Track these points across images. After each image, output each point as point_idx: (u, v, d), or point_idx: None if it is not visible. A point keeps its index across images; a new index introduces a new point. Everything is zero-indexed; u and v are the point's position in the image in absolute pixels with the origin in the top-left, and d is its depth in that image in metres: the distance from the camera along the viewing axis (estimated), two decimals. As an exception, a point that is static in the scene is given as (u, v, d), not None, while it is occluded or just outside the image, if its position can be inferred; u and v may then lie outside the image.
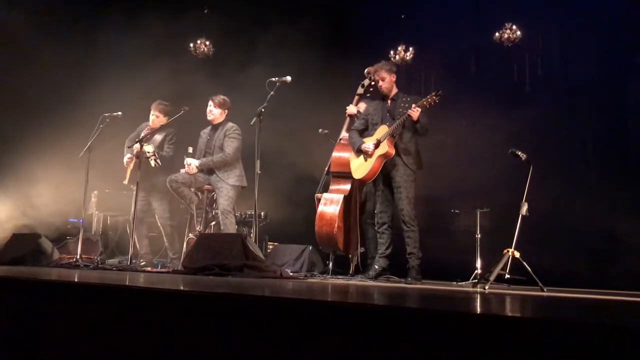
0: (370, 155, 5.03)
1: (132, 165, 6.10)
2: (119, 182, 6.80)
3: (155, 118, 6.20)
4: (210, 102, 5.86)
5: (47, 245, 5.77)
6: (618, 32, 6.07)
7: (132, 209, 5.75)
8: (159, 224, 6.18)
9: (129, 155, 6.12)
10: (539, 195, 4.55)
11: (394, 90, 5.18)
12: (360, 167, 5.14)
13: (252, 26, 7.00)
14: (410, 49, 7.27)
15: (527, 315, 1.73)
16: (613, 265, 5.21)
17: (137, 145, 5.75)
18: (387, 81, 5.14)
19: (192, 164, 5.69)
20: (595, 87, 6.19)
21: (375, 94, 5.69)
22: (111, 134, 6.20)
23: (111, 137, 6.23)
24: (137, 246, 6.14)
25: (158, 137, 6.15)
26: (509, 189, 5.05)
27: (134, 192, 5.83)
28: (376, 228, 5.23)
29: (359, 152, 5.14)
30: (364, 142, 5.11)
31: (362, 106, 5.73)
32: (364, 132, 5.29)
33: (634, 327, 1.34)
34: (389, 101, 5.17)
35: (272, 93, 5.44)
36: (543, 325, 1.41)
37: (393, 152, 4.96)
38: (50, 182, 6.86)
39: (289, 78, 5.48)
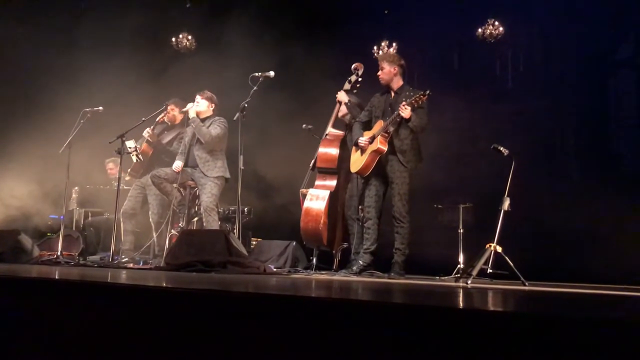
0: (365, 150, 5.02)
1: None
2: (99, 178, 6.74)
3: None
4: (198, 96, 5.82)
5: (26, 241, 5.70)
6: (599, 28, 6.13)
7: (124, 204, 5.81)
8: (150, 219, 6.13)
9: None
10: (521, 190, 4.58)
11: (399, 83, 5.09)
12: (356, 161, 5.13)
13: (234, 21, 6.94)
14: (394, 44, 7.28)
15: (509, 310, 1.75)
16: (594, 259, 5.27)
17: (133, 143, 5.76)
18: (385, 72, 5.06)
19: (179, 166, 5.70)
20: (577, 83, 6.26)
21: (361, 90, 5.69)
22: (92, 129, 6.13)
23: (92, 133, 6.17)
24: (122, 241, 6.10)
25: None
26: (491, 184, 5.07)
27: (131, 187, 5.98)
28: (362, 223, 5.22)
29: (357, 145, 5.12)
30: (361, 136, 5.10)
31: (345, 99, 5.72)
32: (368, 124, 5.23)
33: (615, 320, 1.36)
34: (393, 94, 5.10)
35: (255, 88, 5.41)
36: (525, 320, 1.41)
37: (385, 149, 4.90)
38: (30, 178, 6.77)
39: (272, 73, 5.45)
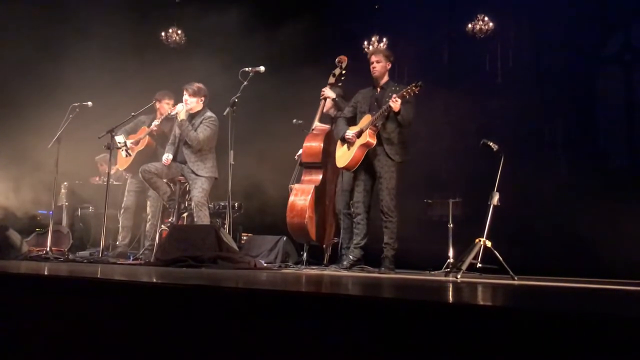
0: (353, 144, 5.02)
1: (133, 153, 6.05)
2: (89, 173, 6.70)
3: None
4: (185, 92, 5.76)
5: (15, 237, 5.64)
6: (587, 24, 6.17)
7: (125, 200, 5.91)
8: (148, 211, 6.07)
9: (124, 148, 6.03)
10: (510, 185, 4.61)
11: (385, 79, 5.14)
12: (343, 156, 5.13)
13: (224, 16, 6.91)
14: (384, 39, 7.28)
15: (499, 304, 1.76)
16: (583, 253, 5.31)
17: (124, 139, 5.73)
18: (381, 65, 5.09)
19: (169, 158, 5.66)
20: (565, 78, 6.29)
21: (346, 83, 5.69)
22: (81, 124, 6.09)
23: (81, 128, 6.12)
24: (119, 236, 6.08)
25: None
26: (480, 179, 5.10)
27: (128, 182, 6.03)
28: (353, 218, 5.23)
29: (343, 140, 5.12)
30: (348, 130, 5.10)
31: (332, 95, 5.73)
32: (353, 119, 5.25)
33: (603, 315, 1.37)
34: (379, 89, 5.13)
35: (245, 83, 5.39)
36: (514, 314, 1.43)
37: (374, 142, 4.93)
38: (18, 173, 6.72)
39: (262, 68, 5.44)
